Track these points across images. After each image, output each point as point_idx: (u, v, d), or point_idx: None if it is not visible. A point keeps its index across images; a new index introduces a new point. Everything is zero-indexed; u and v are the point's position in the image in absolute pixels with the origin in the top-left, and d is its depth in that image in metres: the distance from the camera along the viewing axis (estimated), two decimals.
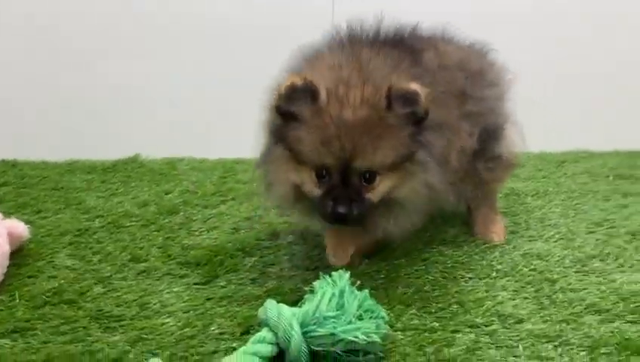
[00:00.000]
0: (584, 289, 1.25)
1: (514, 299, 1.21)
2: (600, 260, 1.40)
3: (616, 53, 2.54)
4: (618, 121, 2.56)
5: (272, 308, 0.98)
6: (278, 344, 0.97)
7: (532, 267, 1.35)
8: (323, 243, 1.39)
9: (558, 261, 1.39)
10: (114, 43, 2.26)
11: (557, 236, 1.55)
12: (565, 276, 1.31)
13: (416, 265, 1.36)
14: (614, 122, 2.56)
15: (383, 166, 1.07)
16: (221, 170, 2.10)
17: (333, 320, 0.96)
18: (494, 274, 1.33)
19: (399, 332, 1.09)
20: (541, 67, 2.43)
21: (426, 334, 1.08)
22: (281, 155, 1.12)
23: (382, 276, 1.31)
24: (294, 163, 1.10)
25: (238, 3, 2.24)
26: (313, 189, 1.10)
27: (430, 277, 1.31)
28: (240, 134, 2.24)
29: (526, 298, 1.22)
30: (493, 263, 1.38)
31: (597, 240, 1.52)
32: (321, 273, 1.07)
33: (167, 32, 2.28)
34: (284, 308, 0.98)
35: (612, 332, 1.09)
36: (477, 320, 1.13)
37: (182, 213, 1.66)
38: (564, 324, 1.11)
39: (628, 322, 1.13)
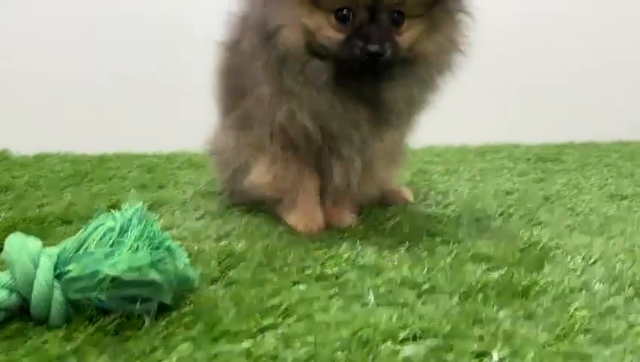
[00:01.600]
0: (473, 240, 1.00)
1: (382, 253, 0.95)
2: (502, 219, 1.17)
3: (548, 52, 2.45)
4: (547, 116, 2.44)
5: (14, 241, 0.70)
6: (19, 291, 0.68)
7: (418, 224, 1.11)
8: None
9: (451, 219, 1.16)
10: None
11: (457, 202, 1.32)
12: (454, 232, 1.07)
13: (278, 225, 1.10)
14: (542, 117, 2.44)
15: (415, 3, 0.94)
16: None
17: (99, 257, 0.68)
18: (371, 232, 1.07)
19: (222, 287, 0.81)
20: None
21: (256, 288, 0.80)
22: None
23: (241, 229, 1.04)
24: (308, 5, 0.92)
25: None
26: (334, 35, 0.93)
27: (292, 238, 1.04)
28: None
29: (399, 251, 0.96)
30: (374, 223, 1.13)
31: (503, 204, 1.29)
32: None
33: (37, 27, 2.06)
34: (30, 242, 0.70)
35: (496, 279, 0.83)
36: (327, 271, 0.87)
37: None
38: (434, 272, 0.85)
39: (522, 268, 0.88)
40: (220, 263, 0.87)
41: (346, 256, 0.92)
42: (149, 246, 0.69)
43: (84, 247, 0.70)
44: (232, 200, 1.25)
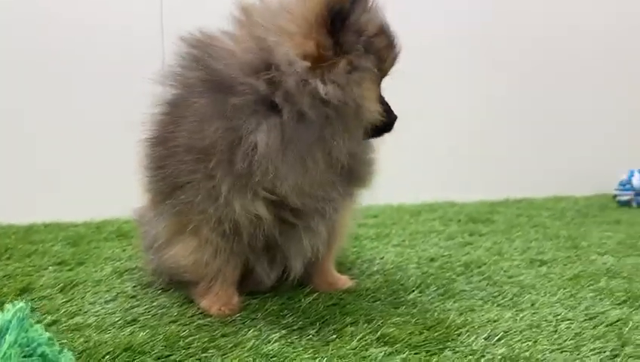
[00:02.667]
0: (383, 319, 1.00)
1: (290, 338, 0.93)
2: (419, 292, 1.17)
3: (485, 109, 2.53)
4: (482, 173, 2.50)
5: None
6: None
7: (332, 302, 1.10)
8: None
9: (369, 292, 1.16)
10: None
11: (380, 272, 1.32)
12: (368, 309, 1.06)
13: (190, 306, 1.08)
14: (478, 175, 2.50)
15: None
16: None
17: None
18: (285, 311, 1.06)
19: None
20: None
21: None
22: (372, 70, 0.99)
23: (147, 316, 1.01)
24: (376, 77, 1.01)
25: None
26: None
27: (201, 322, 1.02)
28: None
29: (307, 334, 0.95)
30: (292, 299, 1.12)
31: (423, 273, 1.30)
32: None
33: None
34: None
35: None
36: None
37: None
38: (336, 359, 0.84)
39: (423, 352, 0.88)
40: (114, 359, 0.84)
41: (250, 344, 0.90)
42: (20, 354, 0.66)
43: None
44: (155, 277, 1.23)
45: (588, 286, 1.21)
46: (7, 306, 0.74)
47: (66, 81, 2.05)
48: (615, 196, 2.37)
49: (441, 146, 2.46)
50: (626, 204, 2.31)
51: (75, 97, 2.06)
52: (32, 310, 1.03)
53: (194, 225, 1.05)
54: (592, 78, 2.66)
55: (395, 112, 1.06)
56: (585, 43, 2.62)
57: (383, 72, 1.03)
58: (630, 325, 0.98)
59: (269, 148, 0.94)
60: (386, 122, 1.02)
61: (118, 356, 0.85)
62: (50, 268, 1.38)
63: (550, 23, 2.57)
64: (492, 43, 2.51)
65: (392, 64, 1.04)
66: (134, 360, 0.84)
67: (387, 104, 1.05)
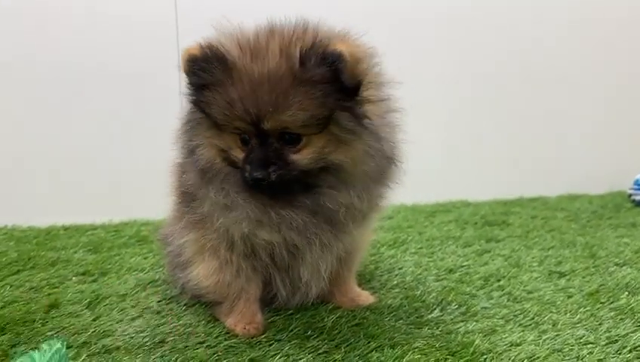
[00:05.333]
0: (407, 344, 1.01)
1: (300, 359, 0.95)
2: (441, 310, 1.19)
3: (497, 106, 2.51)
4: (495, 171, 2.50)
5: None
6: None
7: (355, 322, 1.12)
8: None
9: (391, 310, 1.17)
10: None
11: (400, 286, 1.33)
12: (391, 330, 1.07)
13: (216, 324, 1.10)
14: (492, 173, 2.49)
15: (297, 126, 0.92)
16: None
17: None
18: (310, 332, 1.08)
19: None
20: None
21: None
22: (201, 121, 0.99)
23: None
24: (216, 129, 0.98)
25: None
26: (240, 154, 0.98)
27: (228, 343, 1.03)
28: None
29: (334, 360, 0.97)
30: (314, 319, 1.14)
31: (444, 288, 1.31)
32: None
33: None
34: None
35: None
36: None
37: None
38: None
39: None
40: None
41: None
42: None
43: None
44: (180, 291, 1.25)
45: (608, 303, 1.22)
46: (44, 346, 0.77)
47: (80, 83, 2.05)
48: (630, 195, 2.36)
49: (454, 145, 2.45)
50: None
51: (92, 97, 2.06)
52: (62, 329, 1.07)
53: (212, 245, 1.08)
54: (605, 74, 2.63)
55: (258, 174, 0.95)
56: (598, 38, 2.59)
57: (226, 127, 1.00)
58: None
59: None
60: (243, 180, 1.00)
61: None
62: (74, 278, 1.41)
63: (563, 18, 2.54)
64: (501, 40, 2.48)
65: (226, 121, 0.99)
66: None
67: (254, 162, 0.96)
